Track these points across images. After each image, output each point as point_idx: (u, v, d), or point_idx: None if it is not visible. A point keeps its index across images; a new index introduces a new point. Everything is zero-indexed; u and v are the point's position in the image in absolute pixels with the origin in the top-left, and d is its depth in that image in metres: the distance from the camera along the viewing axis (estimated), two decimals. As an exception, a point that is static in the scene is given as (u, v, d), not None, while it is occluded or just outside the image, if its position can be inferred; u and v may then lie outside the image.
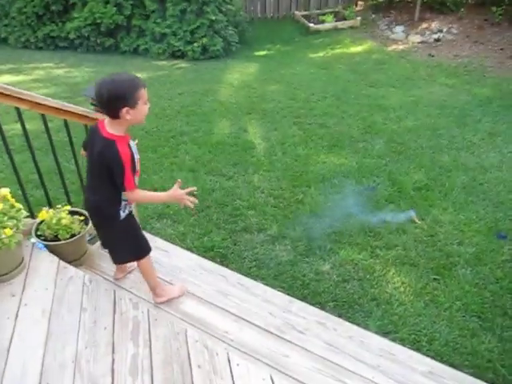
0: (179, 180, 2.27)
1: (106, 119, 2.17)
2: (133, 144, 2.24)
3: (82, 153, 2.48)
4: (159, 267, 3.03)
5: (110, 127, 2.15)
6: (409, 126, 5.79)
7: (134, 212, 2.75)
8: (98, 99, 2.05)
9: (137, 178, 2.26)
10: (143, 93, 2.09)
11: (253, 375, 2.02)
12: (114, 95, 2.01)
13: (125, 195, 2.27)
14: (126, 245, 2.51)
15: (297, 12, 10.65)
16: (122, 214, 2.37)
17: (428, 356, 2.73)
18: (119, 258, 2.65)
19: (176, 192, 2.24)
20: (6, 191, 2.51)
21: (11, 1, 8.82)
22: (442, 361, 2.74)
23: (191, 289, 2.84)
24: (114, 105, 2.03)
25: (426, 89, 7.04)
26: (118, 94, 2.02)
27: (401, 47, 8.94)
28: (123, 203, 2.34)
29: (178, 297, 2.69)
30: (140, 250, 2.57)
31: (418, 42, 8.99)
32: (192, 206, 2.24)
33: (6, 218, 2.38)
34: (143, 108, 2.12)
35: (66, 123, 2.87)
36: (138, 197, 2.30)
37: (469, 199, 4.31)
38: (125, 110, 2.04)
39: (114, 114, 2.07)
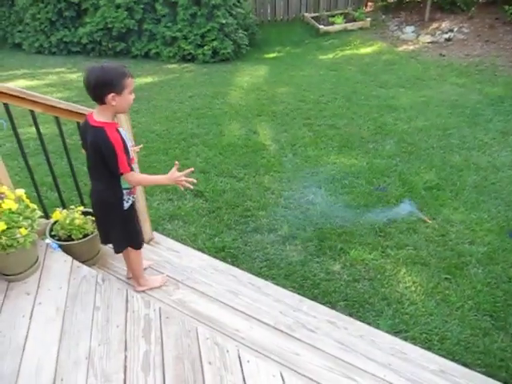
0: (177, 162, 2.32)
1: (94, 110, 2.26)
2: (122, 130, 2.30)
3: (83, 151, 2.52)
4: (171, 267, 3.08)
5: (97, 116, 2.23)
6: (419, 126, 5.76)
7: (144, 213, 2.81)
8: (86, 84, 2.13)
9: (134, 166, 2.33)
10: (130, 82, 2.19)
11: (263, 372, 2.04)
12: (102, 81, 2.11)
13: (125, 180, 2.32)
14: (126, 234, 2.58)
15: (306, 14, 10.67)
16: (126, 205, 2.44)
17: (439, 355, 2.72)
18: (118, 247, 2.68)
19: (174, 174, 2.30)
20: (21, 192, 2.57)
21: (25, 7, 8.98)
22: (453, 360, 2.73)
23: (202, 288, 2.87)
24: (101, 90, 2.12)
25: (437, 89, 7.00)
26: (106, 80, 2.11)
27: (411, 47, 8.90)
28: (125, 192, 2.40)
29: (159, 286, 2.79)
30: (138, 241, 2.67)
31: (429, 42, 8.95)
32: (191, 187, 2.32)
33: (21, 218, 2.43)
34: (129, 97, 2.21)
35: (78, 125, 2.92)
36: (137, 179, 2.39)
37: (480, 198, 4.28)
38: (111, 95, 2.13)
39: (101, 100, 2.16)
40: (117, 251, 2.69)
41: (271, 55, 9.27)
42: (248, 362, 2.07)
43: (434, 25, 9.44)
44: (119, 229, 2.55)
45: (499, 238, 3.79)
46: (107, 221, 2.57)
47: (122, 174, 2.25)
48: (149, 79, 7.78)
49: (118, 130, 2.23)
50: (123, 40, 8.93)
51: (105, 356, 2.12)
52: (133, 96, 2.25)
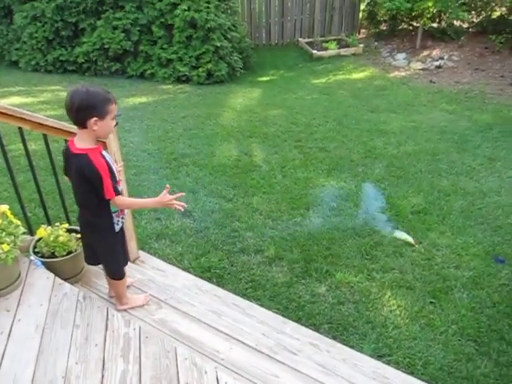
0: (168, 186, 2.33)
1: (74, 138, 2.24)
2: (106, 154, 2.30)
3: (66, 178, 2.51)
4: (155, 286, 3.06)
5: (78, 142, 2.21)
6: (408, 150, 5.84)
7: (131, 232, 2.81)
8: (69, 106, 2.10)
9: (120, 187, 2.33)
10: (113, 108, 2.18)
11: (240, 394, 2.02)
12: (86, 104, 2.09)
13: (113, 204, 2.31)
14: (120, 256, 2.58)
15: (301, 39, 10.89)
16: (117, 227, 2.43)
17: (422, 380, 2.71)
18: (115, 271, 2.66)
19: (165, 198, 2.30)
20: (5, 208, 2.57)
21: (23, 26, 9.09)
22: (436, 385, 2.72)
23: (185, 308, 2.85)
24: (84, 114, 2.10)
25: (427, 114, 7.12)
26: (90, 104, 2.09)
27: (402, 74, 9.09)
28: (114, 215, 2.39)
29: (141, 305, 2.77)
30: (125, 261, 2.69)
31: (420, 69, 9.14)
32: (182, 209, 2.33)
33: (4, 234, 2.43)
34: (110, 123, 2.21)
35: (66, 142, 2.94)
36: (126, 203, 2.39)
37: (467, 223, 4.32)
38: (93, 120, 2.11)
39: (82, 124, 2.14)
40: (113, 276, 2.67)
41: (265, 78, 9.41)
42: (226, 383, 2.05)
43: (425, 52, 9.65)
44: (115, 252, 2.56)
45: (484, 262, 3.81)
46: (100, 247, 2.55)
47: (109, 199, 2.24)
48: (143, 99, 7.85)
49: (102, 155, 2.22)
50: (119, 60, 9.05)
51: (81, 375, 2.09)
52: (114, 122, 2.25)
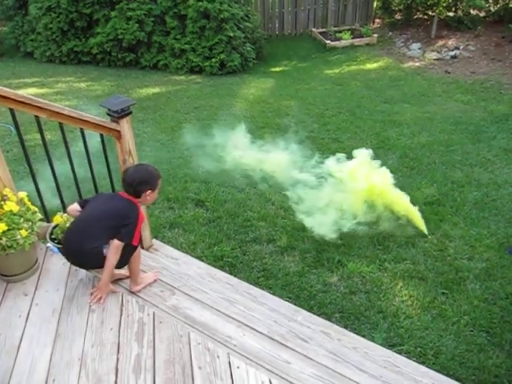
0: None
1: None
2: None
3: (71, 209, 2.65)
4: (168, 274, 3.09)
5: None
6: (422, 141, 5.79)
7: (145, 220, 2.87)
8: (130, 181, 2.53)
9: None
10: (160, 182, 2.65)
11: (252, 378, 2.05)
12: (145, 180, 2.55)
13: (114, 246, 2.44)
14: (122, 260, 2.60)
15: (314, 29, 10.80)
16: (104, 251, 2.48)
17: (433, 369, 2.71)
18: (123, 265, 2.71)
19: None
20: (23, 194, 2.63)
21: (38, 17, 9.16)
22: (447, 375, 2.72)
23: (198, 296, 2.88)
24: (142, 187, 2.54)
25: (441, 105, 7.04)
26: (148, 180, 2.56)
27: (417, 64, 8.97)
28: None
29: (152, 282, 2.84)
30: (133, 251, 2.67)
31: (435, 59, 9.01)
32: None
33: (21, 220, 2.48)
34: (156, 193, 2.65)
35: (82, 132, 2.98)
36: (116, 254, 2.46)
37: (480, 215, 4.29)
38: (148, 192, 2.55)
39: (138, 194, 2.55)
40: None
41: (278, 69, 9.37)
42: (238, 368, 2.09)
43: (441, 42, 9.51)
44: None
45: (498, 254, 3.79)
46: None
47: (131, 244, 2.48)
48: (156, 90, 7.89)
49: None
50: (133, 51, 9.08)
51: (97, 358, 2.15)
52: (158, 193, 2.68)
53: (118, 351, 2.17)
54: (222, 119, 6.52)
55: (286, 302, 3.11)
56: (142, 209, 2.70)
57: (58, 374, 2.08)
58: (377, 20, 11.41)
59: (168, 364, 2.10)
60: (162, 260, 3.30)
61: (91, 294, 2.54)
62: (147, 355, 2.15)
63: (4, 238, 2.39)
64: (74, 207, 2.64)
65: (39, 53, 9.59)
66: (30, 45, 9.74)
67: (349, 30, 10.51)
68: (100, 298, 2.51)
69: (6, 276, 2.60)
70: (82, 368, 2.09)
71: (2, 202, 2.48)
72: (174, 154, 5.47)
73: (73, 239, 2.52)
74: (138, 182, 2.52)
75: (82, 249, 2.47)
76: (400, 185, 4.73)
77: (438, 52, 9.21)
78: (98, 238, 2.45)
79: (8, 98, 2.51)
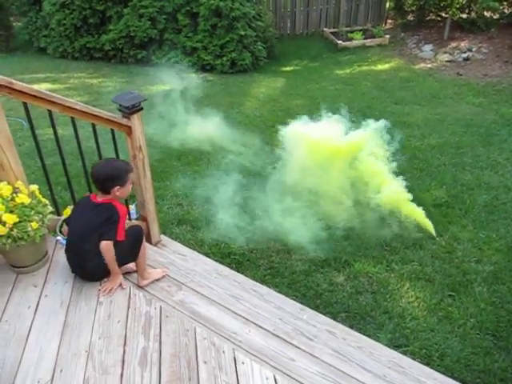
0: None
1: (97, 196, 2.59)
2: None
3: (65, 229, 2.73)
4: (175, 269, 3.11)
5: (100, 198, 2.56)
6: (432, 143, 5.77)
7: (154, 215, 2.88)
8: (95, 177, 2.51)
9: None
10: (131, 175, 2.63)
11: (256, 374, 2.07)
12: (112, 177, 2.52)
13: (104, 246, 2.45)
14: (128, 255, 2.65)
15: (326, 29, 10.78)
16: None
17: (438, 371, 2.70)
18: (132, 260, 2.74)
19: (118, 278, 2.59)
20: (34, 187, 2.66)
21: (51, 13, 9.24)
22: (452, 377, 2.71)
23: (205, 292, 2.90)
24: (109, 183, 2.51)
25: (453, 107, 6.99)
26: (114, 176, 2.52)
27: (429, 66, 8.92)
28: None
29: (160, 278, 2.85)
30: (138, 244, 2.69)
31: (447, 61, 8.95)
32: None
33: (33, 212, 2.51)
34: (129, 187, 2.63)
35: (93, 127, 3.01)
36: (110, 251, 2.48)
37: (490, 218, 4.26)
38: (116, 188, 2.52)
39: (107, 191, 2.53)
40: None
41: (289, 68, 9.37)
42: (243, 363, 2.11)
43: (453, 44, 9.44)
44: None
45: (507, 257, 3.77)
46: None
47: (115, 240, 2.47)
48: (167, 87, 7.91)
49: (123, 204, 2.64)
50: (144, 48, 9.13)
51: (104, 349, 2.17)
52: (131, 185, 2.66)
53: (125, 344, 2.20)
54: (232, 117, 6.53)
55: (292, 301, 3.12)
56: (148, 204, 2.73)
57: (65, 365, 2.10)
58: (389, 21, 11.36)
59: (173, 357, 2.12)
60: (170, 256, 3.32)
61: (100, 287, 2.57)
62: (153, 348, 2.17)
63: (15, 230, 2.42)
64: (64, 228, 2.75)
65: (52, 48, 9.67)
66: (43, 40, 9.83)
67: (361, 30, 10.47)
68: (111, 290, 2.54)
69: (17, 267, 2.63)
70: (88, 359, 2.12)
71: (14, 195, 2.52)
72: (183, 150, 5.49)
73: (74, 263, 2.60)
74: (104, 178, 2.50)
75: (85, 270, 2.57)
76: (409, 186, 4.74)
77: (451, 54, 9.15)
78: (95, 254, 2.48)
79: (22, 92, 2.54)
